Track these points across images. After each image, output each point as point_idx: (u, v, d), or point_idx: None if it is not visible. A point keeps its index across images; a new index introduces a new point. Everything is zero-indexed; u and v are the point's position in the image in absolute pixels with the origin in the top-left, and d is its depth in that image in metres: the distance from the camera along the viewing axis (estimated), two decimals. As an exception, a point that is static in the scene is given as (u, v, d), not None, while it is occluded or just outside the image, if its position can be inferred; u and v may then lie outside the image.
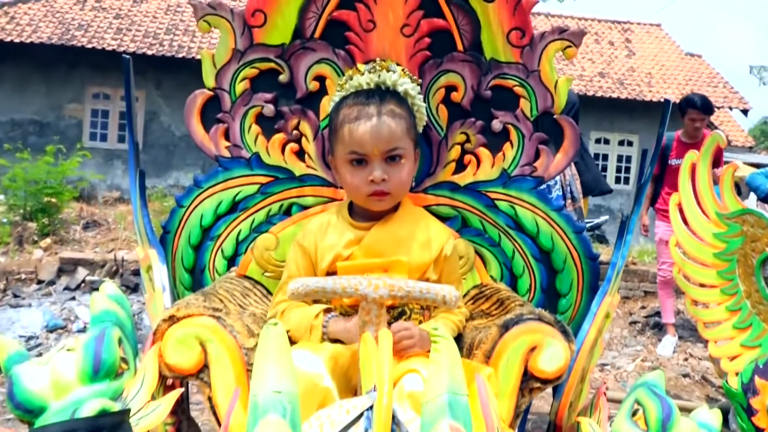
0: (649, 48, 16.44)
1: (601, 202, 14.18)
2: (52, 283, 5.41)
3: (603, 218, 12.10)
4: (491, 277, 1.74)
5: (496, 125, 1.70)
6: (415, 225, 1.55)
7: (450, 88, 1.69)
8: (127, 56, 1.76)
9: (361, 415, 0.94)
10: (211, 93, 1.71)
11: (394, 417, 0.92)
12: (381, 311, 1.25)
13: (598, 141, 14.66)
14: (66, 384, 1.12)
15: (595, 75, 14.85)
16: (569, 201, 3.70)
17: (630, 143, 14.77)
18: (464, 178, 1.72)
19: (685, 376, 4.73)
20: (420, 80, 1.63)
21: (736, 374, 3.35)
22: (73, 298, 5.15)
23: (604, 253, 8.00)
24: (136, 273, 5.57)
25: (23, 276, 5.49)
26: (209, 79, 1.70)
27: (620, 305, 6.25)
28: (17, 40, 12.70)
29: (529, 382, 1.34)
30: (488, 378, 1.29)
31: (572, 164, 3.79)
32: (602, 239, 11.19)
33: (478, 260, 1.73)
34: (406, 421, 0.93)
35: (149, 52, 12.84)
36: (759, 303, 3.49)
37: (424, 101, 1.65)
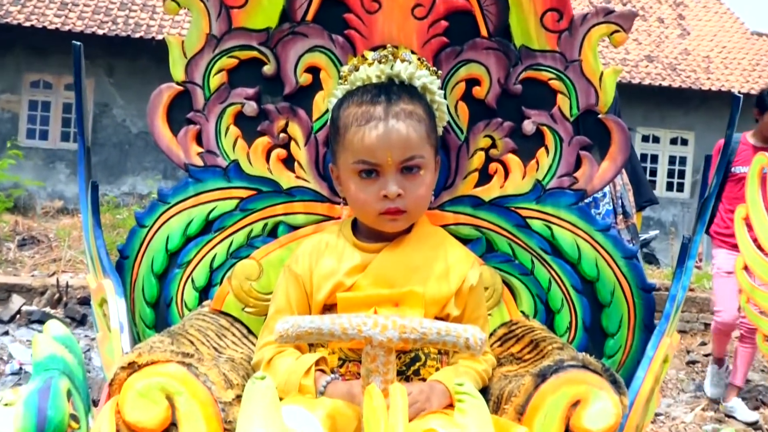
0: (708, 26, 16.56)
1: (650, 213, 14.22)
2: (-21, 314, 5.44)
3: (652, 233, 12.16)
4: (522, 312, 1.76)
5: (528, 127, 1.72)
6: (434, 249, 1.57)
7: (472, 82, 1.71)
8: (78, 43, 1.77)
9: None
10: (180, 88, 1.73)
11: None
12: (389, 357, 1.24)
13: (645, 139, 14.75)
14: None
15: (641, 59, 14.95)
16: (620, 217, 3.73)
17: (684, 142, 14.86)
18: (489, 192, 1.74)
19: (756, 428, 4.74)
20: (440, 72, 1.66)
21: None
22: (6, 333, 5.17)
23: (654, 276, 8.03)
24: (84, 302, 5.59)
25: (-55, 305, 5.52)
26: (178, 70, 1.72)
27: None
28: (-62, 18, 12.80)
29: None
30: None
31: (623, 171, 3.81)
32: (651, 259, 11.24)
33: (507, 292, 1.75)
34: None
35: (99, 32, 12.91)
36: None
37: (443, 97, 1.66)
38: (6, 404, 1.20)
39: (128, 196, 12.85)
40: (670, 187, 14.67)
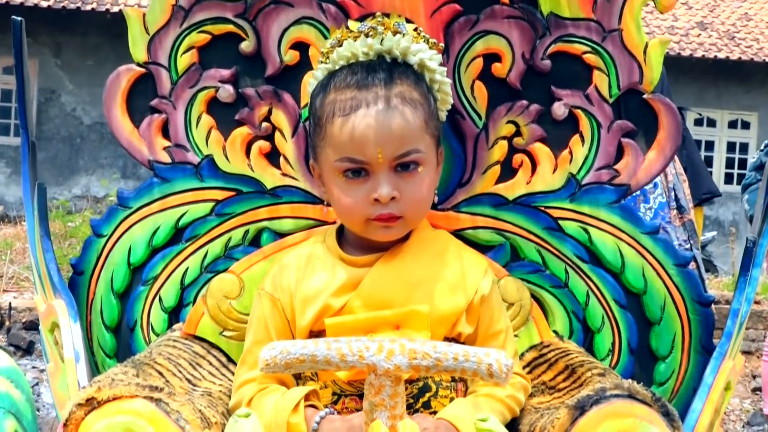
0: (771, -14, 16.64)
1: (707, 211, 14.28)
2: None
3: (709, 235, 12.25)
4: (555, 333, 1.80)
5: (559, 110, 1.78)
6: (438, 257, 1.61)
7: (491, 58, 1.76)
8: (18, 18, 1.82)
9: None
10: (141, 70, 1.79)
11: None
12: (397, 388, 1.27)
13: (698, 123, 14.87)
14: None
15: (692, 27, 15.09)
16: (674, 212, 3.78)
17: (746, 125, 14.96)
18: (514, 189, 1.79)
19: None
20: (442, 45, 1.70)
21: None
22: (-62, 365, 5.23)
23: (712, 286, 8.06)
24: (31, 327, 5.65)
25: None
26: (139, 49, 1.78)
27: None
28: None
29: None
30: None
31: (676, 159, 3.86)
32: (709, 266, 11.30)
33: (537, 309, 1.79)
34: None
35: (44, 4, 13.13)
36: None
37: (454, 76, 1.73)
38: None
39: (81, 199, 12.97)
40: (729, 179, 14.76)
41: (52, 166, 13.39)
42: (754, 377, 6.26)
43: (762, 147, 5.51)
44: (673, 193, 3.78)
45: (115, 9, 13.31)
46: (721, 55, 14.43)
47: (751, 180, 5.39)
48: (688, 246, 3.69)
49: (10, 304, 5.86)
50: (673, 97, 4.10)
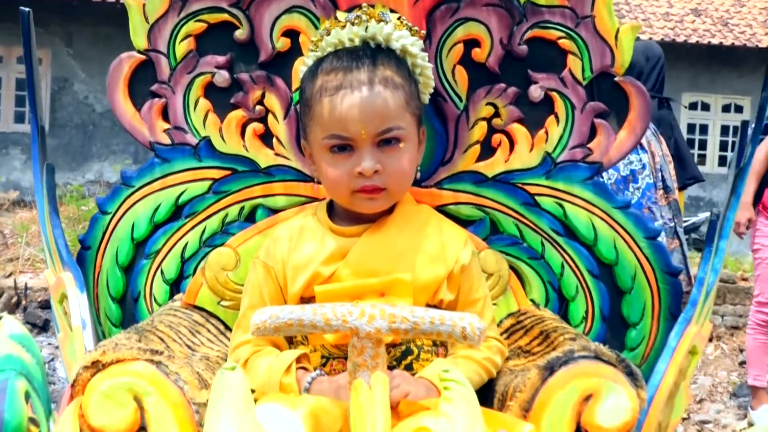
0: (765, -28, 16.53)
1: (700, 192, 14.29)
2: (-73, 321, 5.56)
3: (702, 216, 12.21)
4: (532, 301, 1.84)
5: (536, 93, 1.81)
6: (420, 229, 1.65)
7: (470, 43, 1.80)
8: (26, 9, 1.87)
9: None
10: (142, 57, 1.83)
11: None
12: (378, 350, 1.31)
13: (693, 107, 14.81)
14: None
15: (687, 13, 14.99)
16: (660, 192, 3.82)
17: (739, 109, 14.87)
18: (493, 167, 1.83)
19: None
20: (423, 32, 1.72)
21: None
22: (-43, 343, 5.27)
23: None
24: (46, 306, 5.70)
25: None
26: (139, 37, 1.81)
27: (728, 338, 6.36)
28: None
29: None
30: None
31: (663, 142, 3.92)
32: (701, 245, 11.25)
33: (515, 279, 1.83)
34: None
35: None
36: None
37: (436, 61, 1.77)
38: None
39: (94, 184, 12.90)
40: (722, 162, 14.69)
41: (66, 152, 13.38)
42: (741, 351, 6.26)
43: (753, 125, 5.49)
44: (660, 174, 3.82)
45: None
46: (715, 41, 14.35)
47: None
48: (672, 224, 3.73)
49: (26, 284, 5.91)
50: (665, 85, 4.15)
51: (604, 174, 3.58)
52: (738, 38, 14.43)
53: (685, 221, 11.74)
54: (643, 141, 3.78)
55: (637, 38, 1.87)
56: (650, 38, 13.53)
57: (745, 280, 6.85)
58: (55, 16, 12.99)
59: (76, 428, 1.34)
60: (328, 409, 1.40)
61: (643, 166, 3.77)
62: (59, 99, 13.99)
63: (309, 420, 1.34)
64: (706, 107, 14.93)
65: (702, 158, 14.40)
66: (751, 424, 4.96)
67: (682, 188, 3.94)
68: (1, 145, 13.94)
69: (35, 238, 7.98)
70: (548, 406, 1.42)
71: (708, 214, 12.35)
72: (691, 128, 14.77)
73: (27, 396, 1.32)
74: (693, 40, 14.23)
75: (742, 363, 6.00)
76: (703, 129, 14.78)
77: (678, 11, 14.99)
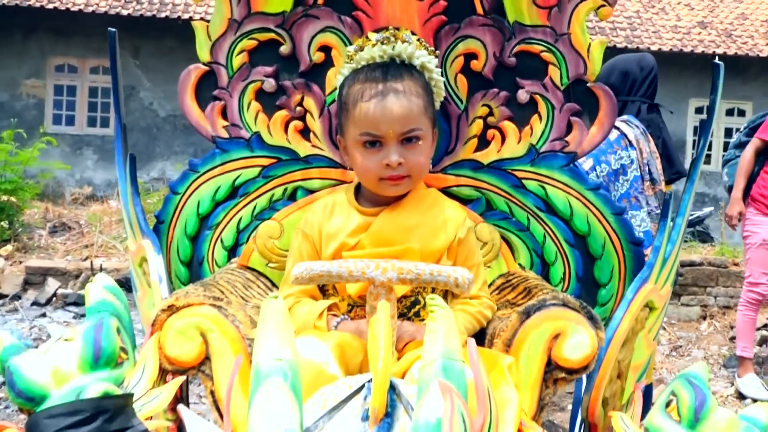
0: (766, -12, 16.37)
1: (705, 189, 14.23)
2: (17, 297, 5.78)
3: (707, 210, 12.13)
4: (519, 265, 1.96)
5: (522, 96, 1.92)
6: (428, 209, 1.79)
7: (469, 56, 1.91)
8: (113, 29, 2.04)
9: (363, 386, 1.23)
10: (206, 68, 1.95)
11: (394, 387, 1.21)
12: (390, 296, 1.49)
13: (698, 110, 14.68)
14: (66, 373, 1.38)
15: (693, 26, 14.87)
16: (647, 184, 3.90)
17: (741, 113, 14.71)
18: (488, 156, 1.94)
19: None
20: (437, 51, 1.85)
21: None
22: (44, 315, 5.49)
23: (704, 252, 8.14)
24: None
25: (-18, 290, 5.88)
26: (204, 52, 1.94)
27: (720, 317, 6.43)
28: (-40, 2, 13.09)
29: (553, 372, 1.57)
30: (509, 368, 1.52)
31: (651, 140, 4.01)
32: (706, 237, 11.24)
33: (505, 247, 1.96)
34: (407, 394, 1.21)
35: (124, 12, 13.07)
36: None
37: (442, 72, 1.87)
38: (66, 340, 1.48)
39: (158, 181, 12.92)
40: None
41: (133, 152, 13.51)
42: (731, 328, 6.31)
43: (742, 128, 5.56)
44: (647, 168, 3.85)
45: (186, 16, 13.33)
46: (720, 51, 14.19)
47: (731, 156, 5.37)
48: (658, 211, 3.80)
49: (101, 265, 6.06)
50: (657, 92, 4.21)
51: (598, 167, 3.67)
52: (741, 48, 14.31)
53: (690, 215, 11.70)
54: (633, 139, 3.82)
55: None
56: (659, 49, 13.50)
57: (736, 265, 6.88)
58: (124, 31, 12.89)
59: (156, 356, 1.50)
60: (351, 343, 1.57)
61: (632, 161, 3.82)
62: (127, 105, 13.76)
63: (336, 350, 1.52)
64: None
65: (708, 158, 14.27)
66: (737, 391, 5.06)
67: (669, 182, 4.03)
68: (76, 146, 14.03)
69: (107, 227, 8.16)
70: (525, 342, 1.57)
71: (711, 209, 12.36)
72: (696, 131, 14.64)
73: (118, 330, 1.46)
74: (699, 50, 14.11)
75: (732, 338, 6.04)
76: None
77: (686, 24, 14.88)
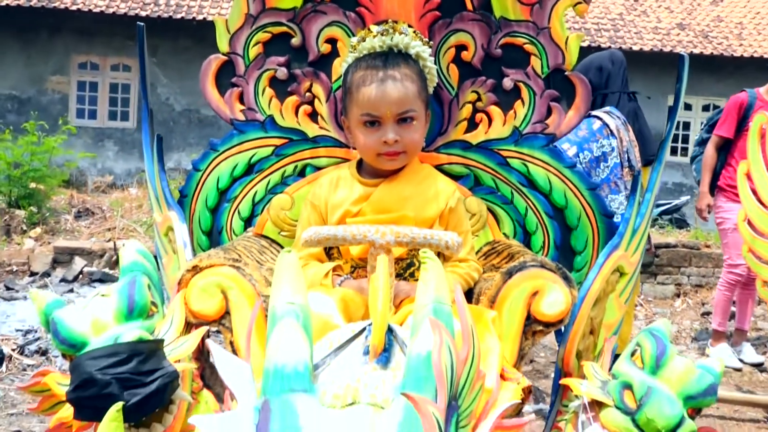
0: (741, -8, 16.39)
1: (683, 180, 14.28)
2: (47, 274, 5.86)
3: (683, 199, 12.19)
4: (504, 234, 2.02)
5: (507, 83, 1.97)
6: (421, 182, 1.85)
7: (460, 48, 1.96)
8: (141, 23, 2.09)
9: (364, 329, 1.31)
10: (225, 58, 2.00)
11: (392, 330, 1.29)
12: (388, 257, 1.56)
13: (677, 107, 14.70)
14: (104, 323, 1.47)
15: (673, 27, 14.89)
16: (626, 170, 3.96)
17: (717, 108, 14.71)
18: (476, 137, 1.99)
19: (762, 371, 5.01)
20: (430, 42, 1.91)
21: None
22: (71, 290, 5.58)
23: (681, 235, 8.22)
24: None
25: (15, 268, 5.97)
26: (223, 43, 1.99)
27: (693, 294, 6.52)
28: (-10, 3, 13.12)
29: (531, 325, 1.66)
30: (493, 321, 1.61)
31: (630, 129, 4.07)
32: (682, 224, 11.32)
33: (491, 218, 2.02)
34: (403, 336, 1.29)
35: (143, 13, 13.09)
36: (836, 283, 3.76)
37: (435, 61, 1.91)
38: (103, 295, 1.56)
39: (174, 171, 12.79)
40: (702, 153, 14.61)
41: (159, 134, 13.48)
42: (703, 305, 6.41)
43: (702, 127, 5.62)
44: (626, 156, 3.91)
45: (200, 17, 13.36)
46: (697, 51, 14.24)
47: (696, 153, 5.47)
48: None
49: (123, 245, 6.17)
50: (629, 84, 4.28)
51: (581, 154, 3.73)
52: (716, 48, 14.34)
53: (668, 203, 11.80)
54: (614, 129, 3.87)
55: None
56: (641, 49, 13.55)
57: (708, 247, 6.97)
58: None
59: (182, 311, 1.59)
60: (353, 298, 1.65)
61: (613, 149, 3.86)
62: None
63: (340, 303, 1.60)
64: (688, 107, 14.83)
65: (684, 150, 14.35)
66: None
67: (645, 165, 4.08)
68: (98, 139, 14.06)
69: (127, 212, 8.25)
70: (507, 299, 1.66)
71: (687, 197, 12.40)
72: (676, 126, 14.70)
73: (149, 287, 1.54)
74: (678, 50, 14.11)
75: (704, 314, 6.16)
76: (686, 125, 14.72)
77: (665, 25, 14.91)
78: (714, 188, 4.96)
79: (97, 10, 13.32)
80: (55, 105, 14.04)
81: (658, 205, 12.04)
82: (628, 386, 1.54)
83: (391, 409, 1.07)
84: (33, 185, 7.77)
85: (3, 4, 13.15)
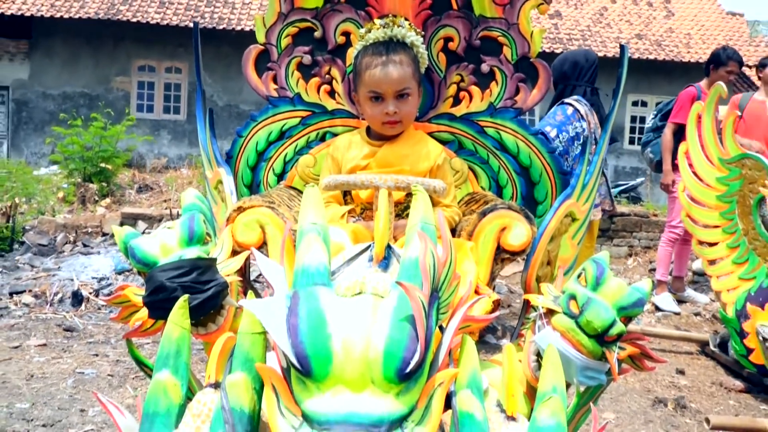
0: (689, 8, 16.33)
1: (639, 164, 14.31)
2: (115, 235, 5.98)
3: (639, 180, 12.29)
4: (481, 187, 2.07)
5: (485, 68, 2.01)
6: (416, 144, 1.92)
7: (447, 39, 2.00)
8: (196, 20, 2.19)
9: (369, 246, 1.42)
10: (262, 47, 2.05)
11: (391, 247, 1.40)
12: (390, 199, 1.63)
13: (635, 104, 14.74)
14: (170, 247, 1.56)
15: (632, 37, 14.87)
16: (594, 147, 4.04)
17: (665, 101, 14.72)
18: (459, 110, 2.03)
19: (696, 314, 5.11)
20: (423, 32, 1.95)
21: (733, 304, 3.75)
22: (136, 247, 5.68)
23: (635, 208, 8.30)
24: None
25: (89, 230, 6.09)
26: (261, 35, 2.04)
27: (642, 255, 6.60)
28: (66, 16, 13.24)
29: (501, 254, 1.77)
30: (471, 249, 1.72)
31: (595, 115, 4.15)
32: (636, 199, 11.44)
33: (471, 174, 2.07)
34: (399, 252, 1.40)
35: (191, 25, 13.13)
36: (755, 239, 3.87)
37: (427, 49, 1.95)
38: (169, 227, 1.66)
39: None
40: (655, 143, 14.62)
41: (197, 134, 13.60)
42: (650, 263, 6.49)
43: (653, 115, 5.67)
44: (593, 136, 4.02)
45: (239, 28, 13.45)
46: (652, 57, 14.27)
47: (649, 138, 5.51)
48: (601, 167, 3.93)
49: (178, 212, 6.23)
50: (597, 81, 4.34)
51: (560, 135, 3.78)
52: (668, 55, 14.34)
53: (625, 183, 11.86)
54: (584, 114, 3.92)
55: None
56: (605, 56, 13.50)
57: (655, 215, 7.03)
58: (189, 39, 13.16)
59: (230, 241, 1.67)
60: (363, 231, 1.72)
61: (583, 130, 3.96)
62: (193, 98, 14.10)
63: (351, 235, 1.68)
64: (644, 104, 14.86)
65: (640, 139, 14.37)
66: (654, 305, 5.25)
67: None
68: (154, 129, 14.18)
69: (180, 187, 8.35)
70: (482, 233, 1.75)
71: (643, 179, 12.45)
72: (633, 119, 14.72)
73: (204, 222, 1.62)
74: (636, 56, 14.14)
75: (651, 270, 6.24)
76: (642, 119, 14.71)
77: (626, 35, 14.88)
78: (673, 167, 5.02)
79: (154, 21, 13.41)
80: (119, 101, 14.13)
81: (618, 185, 12.13)
82: (573, 297, 1.63)
83: (388, 297, 1.18)
84: (102, 164, 7.88)
85: (76, 17, 13.25)
